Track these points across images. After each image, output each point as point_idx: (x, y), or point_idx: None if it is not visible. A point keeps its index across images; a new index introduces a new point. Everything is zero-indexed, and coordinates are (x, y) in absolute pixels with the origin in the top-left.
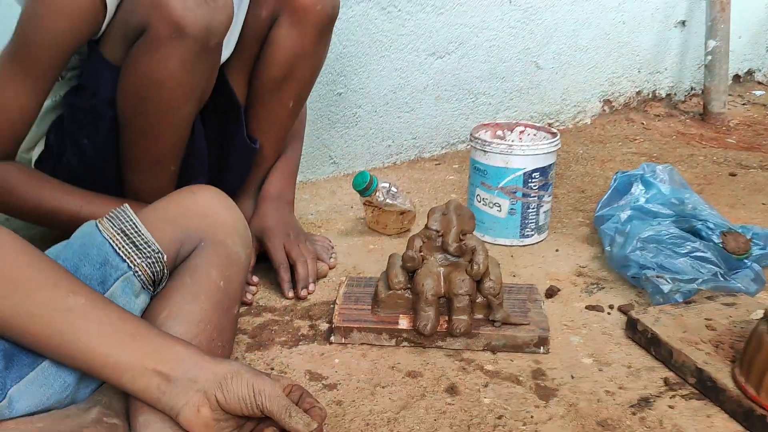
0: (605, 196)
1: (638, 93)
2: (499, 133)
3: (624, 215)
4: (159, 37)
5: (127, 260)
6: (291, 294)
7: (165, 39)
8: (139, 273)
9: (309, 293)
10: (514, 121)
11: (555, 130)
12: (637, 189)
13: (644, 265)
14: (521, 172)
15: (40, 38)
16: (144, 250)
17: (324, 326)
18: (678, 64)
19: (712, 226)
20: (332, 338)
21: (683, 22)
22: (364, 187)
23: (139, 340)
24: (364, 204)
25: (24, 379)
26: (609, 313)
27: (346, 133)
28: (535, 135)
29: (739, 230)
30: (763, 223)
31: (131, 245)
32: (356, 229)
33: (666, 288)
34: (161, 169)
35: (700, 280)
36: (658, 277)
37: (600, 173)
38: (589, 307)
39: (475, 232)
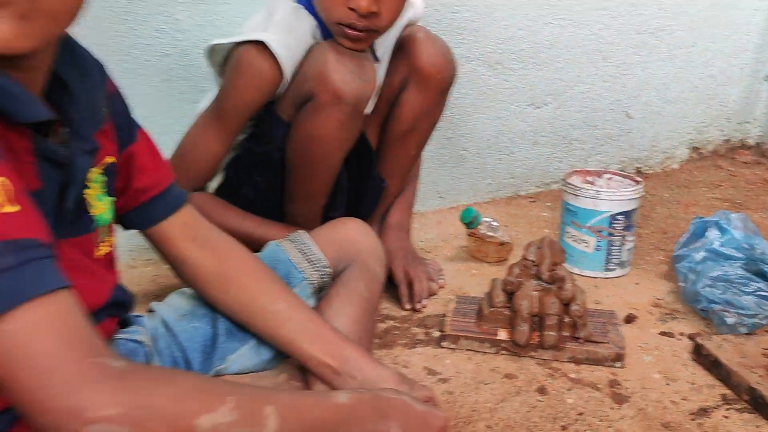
0: (684, 238)
1: (726, 141)
2: (589, 178)
3: (699, 256)
4: (322, 103)
5: (304, 272)
6: (409, 306)
7: (327, 105)
8: (313, 281)
9: (423, 307)
10: (603, 169)
11: (639, 179)
12: (713, 233)
13: (713, 300)
14: (607, 215)
15: (235, 104)
16: (316, 265)
17: (436, 334)
18: (767, 114)
19: None
20: (443, 343)
21: None
22: (470, 221)
23: (322, 340)
24: (468, 235)
25: (237, 351)
26: (679, 339)
27: (453, 172)
28: (621, 182)
29: None
30: None
31: (307, 261)
32: (460, 256)
33: (730, 320)
34: (314, 201)
35: (762, 315)
36: (723, 310)
37: (683, 216)
38: (662, 333)
39: (564, 265)
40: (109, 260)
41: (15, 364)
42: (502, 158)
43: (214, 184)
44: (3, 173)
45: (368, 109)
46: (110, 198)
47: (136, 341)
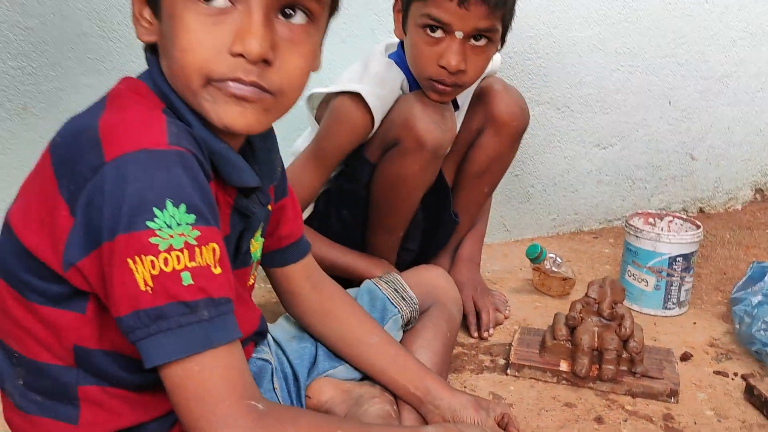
0: (741, 281)
1: None
2: (651, 220)
3: (755, 299)
4: (407, 149)
5: (397, 307)
6: (476, 335)
7: (411, 150)
8: (404, 316)
9: (490, 335)
10: (665, 211)
11: (699, 223)
12: None
13: (766, 343)
14: (666, 256)
15: (332, 146)
16: (408, 301)
17: (501, 361)
18: None
19: None
20: (508, 371)
21: None
22: (536, 256)
23: (407, 371)
24: (534, 269)
25: (335, 369)
26: (733, 379)
27: (519, 207)
28: (682, 225)
29: None
30: None
31: (400, 298)
32: (525, 288)
33: None
34: (393, 234)
35: None
36: None
37: (743, 258)
38: (717, 372)
39: (625, 302)
40: (252, 292)
41: (190, 395)
42: (567, 195)
43: (305, 213)
44: (215, 240)
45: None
46: (262, 239)
47: (264, 360)
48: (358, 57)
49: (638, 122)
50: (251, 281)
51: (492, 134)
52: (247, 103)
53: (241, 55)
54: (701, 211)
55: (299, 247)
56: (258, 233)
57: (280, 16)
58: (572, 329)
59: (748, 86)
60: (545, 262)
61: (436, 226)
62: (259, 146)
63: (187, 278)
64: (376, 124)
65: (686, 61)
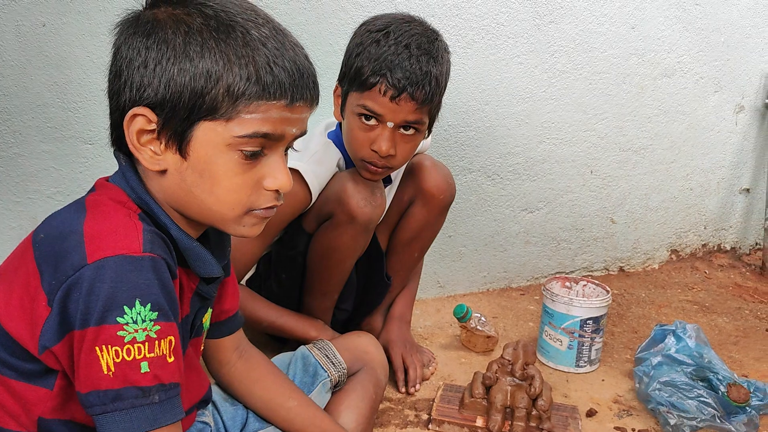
0: (645, 342)
1: (704, 245)
2: (567, 284)
3: (655, 360)
4: (340, 222)
5: (327, 371)
6: (403, 390)
7: (344, 223)
8: (332, 379)
9: (416, 391)
10: (581, 276)
11: (608, 288)
12: (670, 340)
13: (660, 402)
14: (578, 319)
15: (276, 219)
16: (337, 366)
17: (425, 416)
18: (743, 223)
19: (721, 378)
20: (430, 426)
21: (747, 190)
22: (462, 315)
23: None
24: (460, 326)
25: (263, 431)
26: None
27: (452, 265)
28: (594, 289)
29: (743, 383)
30: None
31: (330, 363)
32: (453, 344)
33: (673, 421)
34: (329, 297)
35: (700, 419)
36: (668, 412)
37: (654, 317)
38: (617, 428)
39: (542, 359)
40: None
41: None
42: (496, 255)
43: (247, 275)
44: (173, 333)
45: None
46: (211, 309)
47: (204, 422)
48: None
49: (563, 189)
50: (202, 348)
51: (421, 205)
52: (268, 219)
53: (276, 190)
54: (621, 270)
55: (234, 321)
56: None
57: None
58: (488, 388)
59: (662, 157)
60: (471, 321)
61: (371, 287)
62: (212, 230)
63: (144, 367)
64: (313, 198)
65: (606, 135)
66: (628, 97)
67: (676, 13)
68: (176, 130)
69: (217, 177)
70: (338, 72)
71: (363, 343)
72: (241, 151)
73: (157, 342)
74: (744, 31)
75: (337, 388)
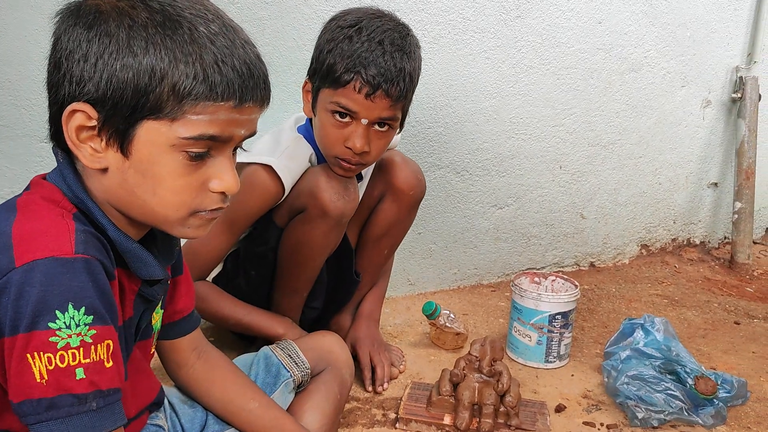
0: (614, 337)
1: (674, 240)
2: (536, 279)
3: (624, 354)
4: (312, 216)
5: (290, 372)
6: (371, 389)
7: (315, 217)
8: (295, 380)
9: (384, 390)
10: (549, 272)
11: (576, 283)
12: (639, 334)
13: (628, 396)
14: (547, 314)
15: (243, 213)
16: (300, 366)
17: (392, 415)
18: (711, 217)
19: (688, 370)
20: (397, 425)
21: (715, 184)
22: (431, 312)
23: None
24: (430, 324)
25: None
26: (599, 430)
27: (422, 263)
28: (563, 284)
29: (711, 376)
30: (748, 368)
31: (293, 363)
32: (422, 342)
33: (641, 415)
34: (298, 294)
35: (668, 412)
36: (636, 406)
37: (624, 311)
38: (586, 423)
39: (511, 355)
40: (152, 360)
41: None
42: (467, 251)
43: (213, 273)
44: (110, 337)
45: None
46: (162, 310)
47: (157, 425)
48: (269, 124)
49: (532, 184)
50: (152, 350)
51: (391, 201)
52: (213, 221)
53: (222, 192)
54: (592, 265)
55: (190, 321)
56: (158, 306)
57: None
58: (456, 385)
59: (631, 152)
60: (440, 318)
61: (340, 284)
62: (159, 233)
63: (80, 373)
64: (286, 193)
65: (574, 130)
66: (595, 92)
67: (642, 8)
68: (118, 128)
69: (161, 178)
70: (303, 68)
71: (327, 343)
72: (186, 152)
73: (93, 347)
74: (710, 26)
75: (300, 389)
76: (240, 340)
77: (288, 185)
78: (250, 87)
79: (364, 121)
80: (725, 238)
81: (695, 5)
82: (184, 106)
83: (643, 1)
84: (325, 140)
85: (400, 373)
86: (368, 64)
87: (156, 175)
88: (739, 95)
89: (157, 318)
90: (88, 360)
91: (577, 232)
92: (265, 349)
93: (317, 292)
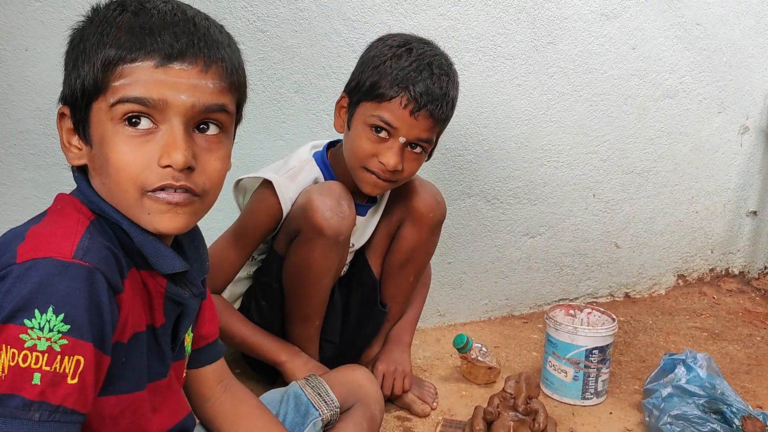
0: (653, 373)
1: (711, 270)
2: (571, 312)
3: (665, 392)
4: (307, 237)
5: (318, 410)
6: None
7: (311, 238)
8: (323, 418)
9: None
10: (585, 303)
11: (614, 316)
12: (680, 371)
13: None
14: (584, 349)
15: (251, 226)
16: (329, 405)
17: None
18: (751, 246)
19: (735, 410)
20: None
21: (755, 212)
22: (462, 346)
23: None
24: (461, 357)
25: None
26: None
27: (452, 293)
28: (599, 317)
29: (759, 416)
30: None
31: (322, 401)
32: (453, 376)
33: None
34: (310, 323)
35: None
36: None
37: (663, 345)
38: None
39: (546, 390)
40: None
41: None
42: (498, 281)
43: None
44: (85, 355)
45: (364, 238)
46: (192, 334)
47: None
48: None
49: (565, 213)
50: (184, 374)
51: (411, 226)
52: (180, 208)
53: (169, 166)
54: (627, 296)
55: (214, 349)
56: (189, 329)
57: (197, 131)
58: (490, 423)
59: (666, 180)
60: (471, 352)
61: (366, 317)
62: (188, 245)
63: (36, 378)
64: (284, 211)
65: (608, 157)
66: (629, 119)
67: (677, 33)
68: (79, 118)
69: (109, 155)
70: (333, 96)
71: (357, 377)
72: (125, 121)
73: (59, 356)
74: (746, 51)
75: (329, 426)
76: (265, 380)
77: (285, 203)
78: (177, 44)
79: (402, 139)
80: (765, 268)
81: (731, 30)
82: (111, 77)
83: (677, 27)
84: (358, 152)
85: (433, 410)
86: (416, 82)
87: (106, 154)
88: None
89: (188, 340)
90: (48, 368)
91: (611, 262)
92: (294, 386)
93: (332, 325)
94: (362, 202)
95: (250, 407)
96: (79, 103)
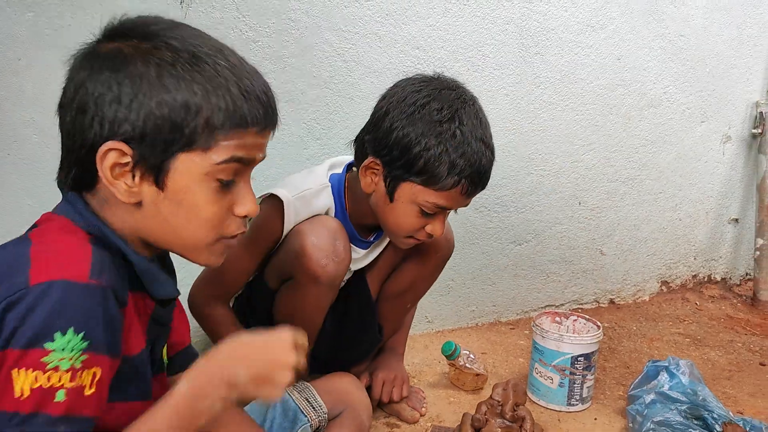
0: (637, 379)
1: (694, 276)
2: (557, 319)
3: (648, 398)
4: (302, 283)
5: (307, 416)
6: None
7: (306, 284)
8: (312, 424)
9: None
10: (570, 310)
11: (599, 324)
12: (663, 377)
13: None
14: (569, 356)
15: (263, 234)
16: (318, 410)
17: None
18: (732, 253)
19: (716, 416)
20: None
21: (736, 220)
22: (450, 353)
23: None
24: (449, 364)
25: None
26: None
27: (440, 300)
28: (584, 325)
29: (739, 422)
30: None
31: (311, 408)
32: (441, 382)
33: None
34: None
35: None
36: None
37: (646, 351)
38: None
39: (532, 396)
40: None
41: None
42: (485, 288)
43: None
44: (101, 365)
45: (364, 263)
46: (165, 345)
47: None
48: (288, 160)
49: (551, 221)
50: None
51: (416, 261)
52: (230, 247)
53: (245, 216)
54: (612, 302)
55: (187, 355)
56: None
57: None
58: (477, 430)
59: (651, 188)
60: (459, 359)
61: (361, 339)
62: (167, 257)
63: (60, 395)
64: (285, 230)
65: (594, 166)
66: (615, 128)
67: (661, 44)
68: (153, 162)
69: (196, 206)
70: (322, 104)
71: (345, 384)
72: (218, 180)
73: (80, 372)
74: (729, 61)
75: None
76: None
77: (288, 224)
78: (270, 114)
79: (452, 212)
80: (747, 274)
81: (714, 41)
82: (216, 136)
83: (661, 38)
84: (405, 227)
85: (421, 416)
86: (473, 164)
87: (191, 204)
88: (760, 131)
89: (164, 351)
90: (72, 384)
91: (596, 269)
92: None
93: (322, 343)
94: (367, 238)
95: (230, 414)
96: (157, 147)
